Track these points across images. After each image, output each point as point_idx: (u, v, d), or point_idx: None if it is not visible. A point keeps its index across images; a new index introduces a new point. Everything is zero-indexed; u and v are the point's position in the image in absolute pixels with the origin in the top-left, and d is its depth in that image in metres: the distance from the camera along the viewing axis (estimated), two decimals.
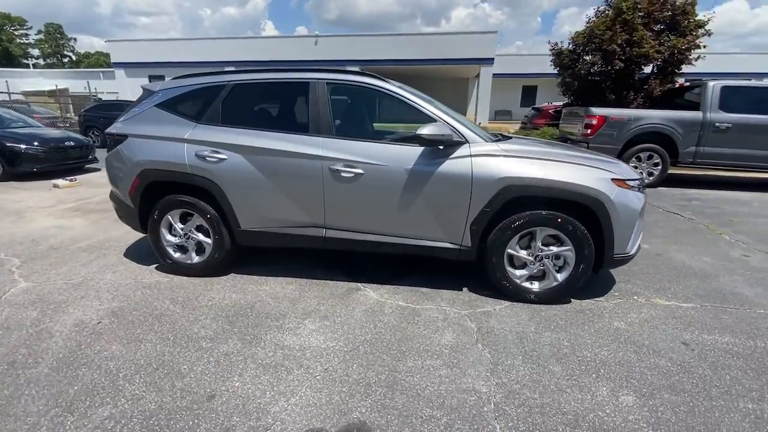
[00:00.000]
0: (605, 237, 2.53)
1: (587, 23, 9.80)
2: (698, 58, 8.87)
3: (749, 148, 6.34)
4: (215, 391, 1.85)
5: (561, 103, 12.56)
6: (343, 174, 2.68)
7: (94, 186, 6.64)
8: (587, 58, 9.83)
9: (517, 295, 2.70)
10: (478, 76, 21.78)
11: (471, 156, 2.57)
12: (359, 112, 3.38)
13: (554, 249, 2.60)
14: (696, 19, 8.82)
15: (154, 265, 3.31)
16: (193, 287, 2.93)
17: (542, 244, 2.63)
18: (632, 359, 2.12)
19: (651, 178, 6.76)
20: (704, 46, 8.76)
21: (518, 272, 2.69)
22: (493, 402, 1.79)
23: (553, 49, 10.26)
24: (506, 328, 2.41)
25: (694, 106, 6.74)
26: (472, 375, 1.98)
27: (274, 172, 2.78)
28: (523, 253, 2.66)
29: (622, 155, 6.62)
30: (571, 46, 10.02)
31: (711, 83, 6.50)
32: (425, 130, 2.49)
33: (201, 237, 3.04)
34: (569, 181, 2.47)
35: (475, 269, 3.09)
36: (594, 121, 6.82)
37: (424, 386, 1.89)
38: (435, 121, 2.64)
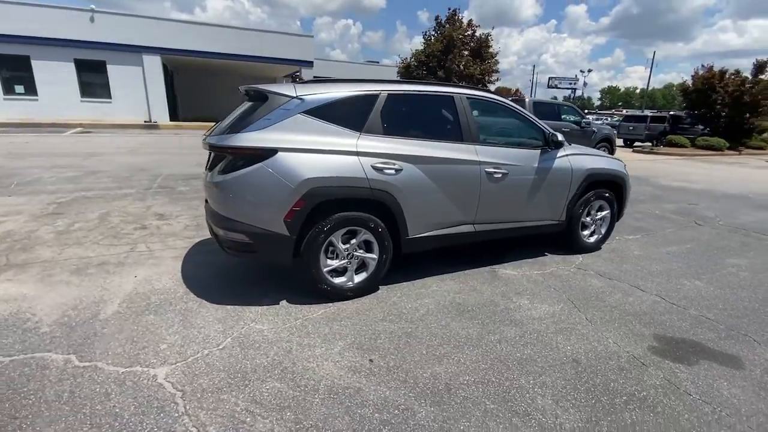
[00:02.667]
0: (623, 202, 4.08)
1: (423, 44, 12.12)
2: (497, 79, 12.61)
3: None
4: (569, 356, 2.25)
5: None
6: (495, 175, 3.20)
7: None
8: (424, 72, 12.20)
9: (584, 249, 3.96)
10: (291, 76, 22.17)
11: (567, 155, 3.60)
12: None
13: (601, 213, 3.98)
14: (491, 50, 12.42)
15: (283, 301, 2.81)
16: (369, 307, 2.77)
17: (594, 211, 3.96)
18: (668, 267, 3.71)
19: None
20: (498, 71, 12.52)
21: (585, 233, 3.94)
22: (671, 303, 2.96)
23: (403, 63, 12.17)
24: (607, 269, 3.60)
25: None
26: (640, 295, 3.08)
27: (443, 178, 2.99)
28: (587, 220, 3.91)
29: None
30: (414, 62, 12.15)
31: (527, 99, 9.65)
32: (560, 137, 3.36)
33: (365, 254, 2.85)
34: (615, 169, 3.89)
35: (521, 243, 4.16)
36: None
37: (639, 306, 2.87)
38: (544, 131, 3.51)
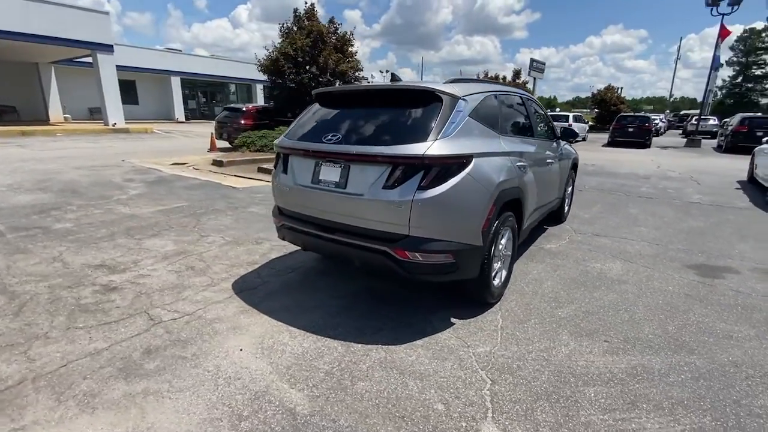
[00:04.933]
0: (575, 178, 5.33)
1: (283, 39, 11.45)
2: (363, 78, 13.10)
3: None
4: (680, 293, 3.03)
5: (262, 105, 13.56)
6: (549, 165, 3.74)
7: None
8: (290, 66, 11.60)
9: (564, 218, 5.00)
10: (93, 63, 17.13)
11: (568, 143, 4.47)
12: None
13: (569, 189, 5.09)
14: (351, 50, 12.82)
15: (452, 319, 2.62)
16: (525, 302, 2.91)
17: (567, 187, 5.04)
18: (616, 222, 5.12)
19: None
20: (362, 69, 13.06)
21: (564, 205, 4.97)
22: (656, 244, 4.20)
23: (268, 57, 11.18)
24: (593, 230, 4.70)
25: None
26: (635, 243, 4.23)
27: (537, 171, 3.32)
28: (564, 195, 4.95)
29: None
30: (278, 56, 11.35)
31: None
32: (573, 130, 4.13)
33: (506, 252, 2.92)
34: (577, 154, 5.02)
35: None
36: None
37: (647, 250, 3.96)
38: (554, 127, 4.24)
